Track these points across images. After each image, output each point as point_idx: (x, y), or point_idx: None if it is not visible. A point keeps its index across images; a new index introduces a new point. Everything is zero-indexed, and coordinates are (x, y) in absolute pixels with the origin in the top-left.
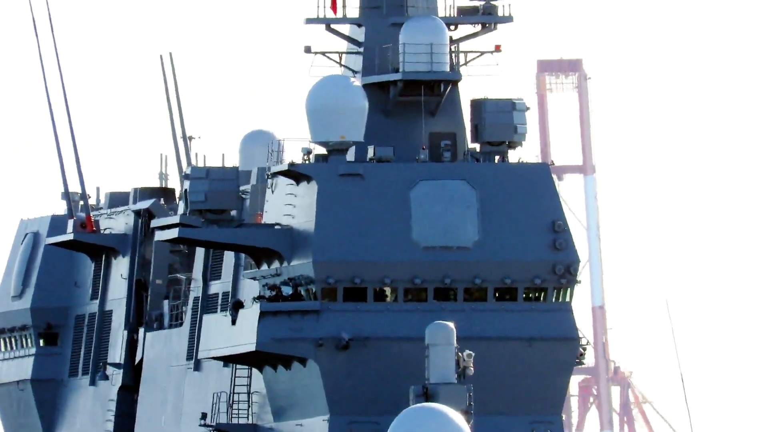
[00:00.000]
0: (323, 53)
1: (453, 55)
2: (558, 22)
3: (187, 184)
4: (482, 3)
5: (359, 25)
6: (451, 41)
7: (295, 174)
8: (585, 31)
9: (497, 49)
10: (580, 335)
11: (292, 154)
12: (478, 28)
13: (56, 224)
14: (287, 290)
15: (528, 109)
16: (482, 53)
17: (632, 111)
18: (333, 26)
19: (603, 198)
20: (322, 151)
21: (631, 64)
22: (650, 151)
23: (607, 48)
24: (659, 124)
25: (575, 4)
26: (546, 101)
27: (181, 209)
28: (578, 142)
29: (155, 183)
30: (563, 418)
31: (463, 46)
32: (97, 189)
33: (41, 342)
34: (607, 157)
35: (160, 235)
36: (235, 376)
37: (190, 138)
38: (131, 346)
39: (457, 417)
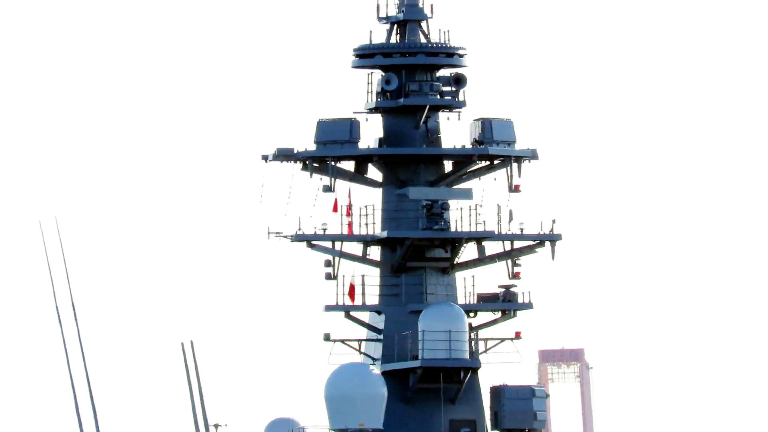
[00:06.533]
0: (342, 341)
1: (472, 342)
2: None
3: None
4: (502, 290)
5: (378, 312)
6: (471, 328)
7: None
8: (587, 320)
9: (517, 336)
10: None
11: None
12: (498, 314)
13: None
14: None
15: (548, 396)
16: (502, 340)
17: (635, 401)
18: (352, 314)
19: None
20: None
21: (634, 354)
22: None
23: (608, 337)
24: (662, 413)
25: (577, 293)
26: (548, 391)
27: None
28: None
29: None
30: None
31: (483, 333)
32: None
33: None
34: None
35: None
36: None
37: (216, 425)
38: None
39: None
